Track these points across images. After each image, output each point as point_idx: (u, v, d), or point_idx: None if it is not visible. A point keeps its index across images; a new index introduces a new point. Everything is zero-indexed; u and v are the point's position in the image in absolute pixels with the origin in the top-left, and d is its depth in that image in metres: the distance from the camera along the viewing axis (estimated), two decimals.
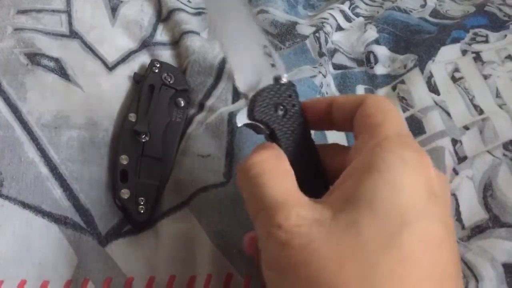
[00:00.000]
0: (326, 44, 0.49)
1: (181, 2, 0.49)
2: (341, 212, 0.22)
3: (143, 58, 0.46)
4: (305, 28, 0.50)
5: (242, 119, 0.29)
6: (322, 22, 0.50)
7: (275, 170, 0.26)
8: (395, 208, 0.22)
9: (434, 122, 0.43)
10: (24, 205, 0.36)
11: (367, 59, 0.48)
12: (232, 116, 0.42)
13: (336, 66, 0.48)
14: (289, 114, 0.29)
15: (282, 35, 0.49)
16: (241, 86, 0.29)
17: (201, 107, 0.43)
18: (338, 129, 0.30)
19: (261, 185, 0.25)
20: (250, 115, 0.28)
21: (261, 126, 0.29)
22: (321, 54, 0.48)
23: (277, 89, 0.29)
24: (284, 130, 0.29)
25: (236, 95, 0.43)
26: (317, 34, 0.49)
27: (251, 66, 0.30)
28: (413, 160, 0.23)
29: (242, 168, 0.27)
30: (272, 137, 0.29)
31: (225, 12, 0.30)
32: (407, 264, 0.21)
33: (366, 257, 0.21)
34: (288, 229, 0.23)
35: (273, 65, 0.30)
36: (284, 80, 0.29)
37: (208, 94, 0.43)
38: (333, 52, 0.49)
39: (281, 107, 0.29)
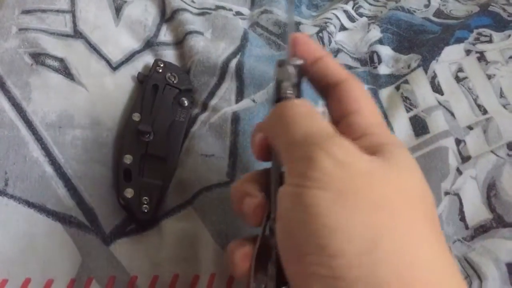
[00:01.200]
0: (330, 44, 0.49)
1: (185, 2, 0.49)
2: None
3: (147, 58, 0.46)
4: (308, 28, 0.50)
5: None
6: (326, 22, 0.50)
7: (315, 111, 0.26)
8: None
9: (437, 122, 0.43)
10: (29, 204, 0.36)
11: (371, 59, 0.48)
12: (235, 115, 0.42)
13: None
14: None
15: (285, 35, 0.49)
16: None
17: (204, 107, 0.43)
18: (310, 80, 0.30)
19: (308, 117, 0.25)
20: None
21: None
22: None
23: None
24: None
25: (240, 95, 0.43)
26: (320, 34, 0.49)
27: None
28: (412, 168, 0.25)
29: (279, 108, 0.27)
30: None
31: None
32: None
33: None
34: (349, 151, 0.23)
35: None
36: None
37: (211, 94, 0.44)
38: (336, 52, 0.49)
39: None
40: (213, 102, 0.43)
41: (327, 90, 0.29)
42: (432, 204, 0.25)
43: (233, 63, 0.44)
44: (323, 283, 0.21)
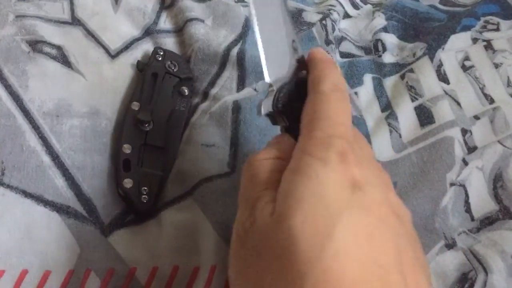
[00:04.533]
0: (333, 32, 0.48)
1: None
2: (280, 213, 0.24)
3: (147, 46, 0.45)
4: (311, 15, 0.49)
5: (267, 108, 0.29)
6: (329, 9, 0.49)
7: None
8: (321, 203, 0.23)
9: (443, 111, 0.42)
10: (26, 194, 0.36)
11: (375, 47, 0.47)
12: (236, 104, 0.41)
13: (343, 55, 0.47)
14: None
15: None
16: (269, 77, 0.30)
17: (205, 95, 0.42)
18: None
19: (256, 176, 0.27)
20: (275, 105, 0.29)
21: (282, 117, 0.29)
22: (328, 42, 0.47)
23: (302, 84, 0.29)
24: None
25: (241, 83, 0.43)
26: (324, 22, 0.48)
27: (280, 59, 0.30)
28: (333, 161, 0.24)
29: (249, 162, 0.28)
30: (288, 130, 0.29)
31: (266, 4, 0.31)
32: (340, 259, 0.22)
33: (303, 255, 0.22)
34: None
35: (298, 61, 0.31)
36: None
37: (212, 83, 0.43)
38: (340, 40, 0.48)
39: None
40: (214, 91, 0.42)
41: None
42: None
43: (235, 51, 0.43)
44: None
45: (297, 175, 0.24)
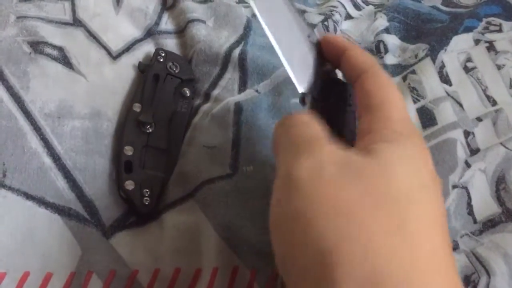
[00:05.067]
0: (335, 33, 0.47)
1: None
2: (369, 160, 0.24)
3: (148, 47, 0.45)
4: (313, 16, 0.49)
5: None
6: (331, 10, 0.49)
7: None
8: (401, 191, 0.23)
9: (446, 113, 0.42)
10: (27, 196, 0.36)
11: (377, 49, 0.47)
12: (238, 106, 0.41)
13: None
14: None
15: None
16: (301, 87, 0.30)
17: (206, 97, 0.42)
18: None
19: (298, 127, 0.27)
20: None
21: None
22: None
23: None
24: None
25: (243, 85, 0.42)
26: (325, 23, 0.48)
27: (304, 62, 0.30)
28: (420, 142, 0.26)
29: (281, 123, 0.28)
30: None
31: (272, 8, 0.30)
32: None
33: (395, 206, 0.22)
34: (322, 159, 0.24)
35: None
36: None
37: (214, 84, 0.43)
38: None
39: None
40: (216, 92, 0.42)
41: (354, 82, 0.29)
42: (435, 198, 0.24)
43: (236, 52, 0.43)
44: None
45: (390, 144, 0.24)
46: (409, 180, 0.23)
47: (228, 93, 0.42)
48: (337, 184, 0.23)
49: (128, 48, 0.44)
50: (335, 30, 0.48)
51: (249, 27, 0.46)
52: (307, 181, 0.23)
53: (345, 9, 0.50)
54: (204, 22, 0.45)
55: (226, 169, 0.39)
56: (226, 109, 0.41)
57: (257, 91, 0.42)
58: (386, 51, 0.47)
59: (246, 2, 0.48)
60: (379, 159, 0.24)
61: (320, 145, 0.25)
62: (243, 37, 0.45)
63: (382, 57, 0.46)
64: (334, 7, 0.50)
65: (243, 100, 0.41)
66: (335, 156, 0.24)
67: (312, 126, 0.26)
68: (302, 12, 0.49)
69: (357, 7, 0.51)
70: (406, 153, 0.24)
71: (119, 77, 0.42)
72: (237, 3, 0.48)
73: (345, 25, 0.49)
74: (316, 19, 0.48)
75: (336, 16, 0.48)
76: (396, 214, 0.22)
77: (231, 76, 0.43)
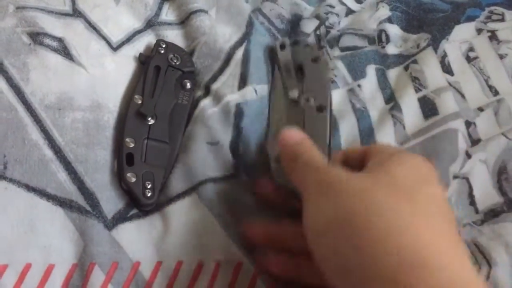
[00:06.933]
0: (327, 36, 0.47)
1: None
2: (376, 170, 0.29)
3: (148, 38, 0.44)
4: (308, 23, 0.48)
5: None
6: (327, 12, 0.48)
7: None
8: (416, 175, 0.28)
9: (447, 103, 0.42)
10: (28, 188, 0.36)
11: (379, 38, 0.47)
12: (239, 109, 0.41)
13: (344, 49, 0.46)
14: None
15: (286, 31, 0.47)
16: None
17: (206, 90, 0.42)
18: None
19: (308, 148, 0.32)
20: None
21: None
22: (320, 47, 0.46)
23: None
24: None
25: (243, 82, 0.42)
26: (317, 32, 0.47)
27: None
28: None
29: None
30: None
31: None
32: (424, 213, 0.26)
33: (399, 200, 0.27)
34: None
35: None
36: None
37: (214, 78, 0.42)
38: (338, 38, 0.47)
39: None
40: (216, 86, 0.42)
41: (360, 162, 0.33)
42: (434, 198, 0.28)
43: (240, 52, 0.43)
44: None
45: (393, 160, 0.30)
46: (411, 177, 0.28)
47: (228, 88, 0.42)
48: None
49: (128, 39, 0.44)
50: (327, 33, 0.47)
51: (251, 25, 0.45)
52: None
53: (345, 5, 0.50)
54: (206, 12, 0.45)
55: (229, 165, 0.39)
56: (227, 111, 0.41)
57: (255, 91, 0.42)
58: (388, 41, 0.46)
59: None
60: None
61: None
62: (246, 36, 0.45)
63: (384, 47, 0.46)
64: (332, 6, 0.49)
65: (243, 102, 0.41)
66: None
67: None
68: (299, 20, 0.48)
69: (358, 0, 0.51)
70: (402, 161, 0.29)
71: (120, 69, 0.42)
72: None
73: (346, 21, 0.49)
74: (311, 26, 0.48)
75: (332, 19, 0.48)
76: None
77: (232, 72, 0.42)
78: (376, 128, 0.42)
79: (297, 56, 0.44)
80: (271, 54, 0.45)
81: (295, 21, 0.48)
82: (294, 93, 0.41)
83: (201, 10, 0.45)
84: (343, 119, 0.42)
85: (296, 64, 0.43)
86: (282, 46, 0.44)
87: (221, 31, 0.44)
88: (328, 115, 0.40)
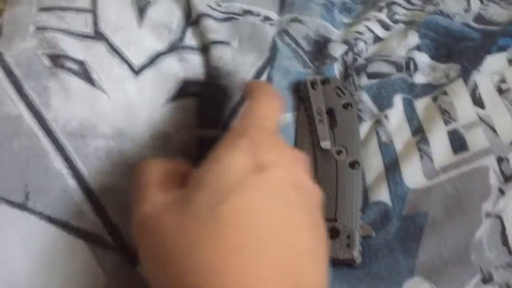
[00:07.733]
0: (354, 63, 0.46)
1: (210, 7, 0.46)
2: (183, 194, 0.27)
3: (171, 61, 0.43)
4: (336, 47, 0.47)
5: None
6: (356, 38, 0.48)
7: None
8: (219, 183, 0.26)
9: (477, 139, 0.41)
10: (51, 220, 0.34)
11: (407, 66, 0.46)
12: None
13: (372, 75, 0.46)
14: None
15: (313, 53, 0.47)
16: None
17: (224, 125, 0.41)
18: None
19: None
20: None
21: None
22: (346, 76, 0.46)
23: None
24: None
25: None
26: (345, 57, 0.47)
27: None
28: (241, 145, 0.27)
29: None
30: None
31: None
32: (225, 231, 0.24)
33: (194, 228, 0.25)
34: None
35: None
36: None
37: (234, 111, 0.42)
38: (365, 65, 0.47)
39: None
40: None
41: None
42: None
43: (263, 79, 0.43)
44: None
45: (209, 159, 0.28)
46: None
47: None
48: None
49: (151, 62, 0.43)
50: (355, 60, 0.47)
51: (275, 48, 0.45)
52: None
53: (373, 33, 0.49)
54: (228, 43, 0.44)
55: None
56: None
57: None
58: (416, 69, 0.45)
59: (271, 19, 0.47)
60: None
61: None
62: (269, 61, 0.44)
63: (411, 75, 0.45)
64: (360, 33, 0.48)
65: None
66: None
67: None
68: (326, 42, 0.48)
69: (385, 27, 0.49)
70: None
71: (142, 93, 0.41)
72: (261, 21, 0.46)
73: (374, 49, 0.48)
74: (339, 50, 0.47)
75: (360, 45, 0.47)
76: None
77: None
78: (402, 161, 0.41)
79: (328, 98, 0.43)
80: (297, 89, 0.44)
81: (322, 43, 0.47)
82: (326, 144, 0.40)
83: (222, 42, 0.44)
84: (366, 154, 0.42)
85: (327, 107, 0.42)
86: (313, 85, 0.43)
87: (243, 61, 0.43)
88: (361, 173, 0.39)
